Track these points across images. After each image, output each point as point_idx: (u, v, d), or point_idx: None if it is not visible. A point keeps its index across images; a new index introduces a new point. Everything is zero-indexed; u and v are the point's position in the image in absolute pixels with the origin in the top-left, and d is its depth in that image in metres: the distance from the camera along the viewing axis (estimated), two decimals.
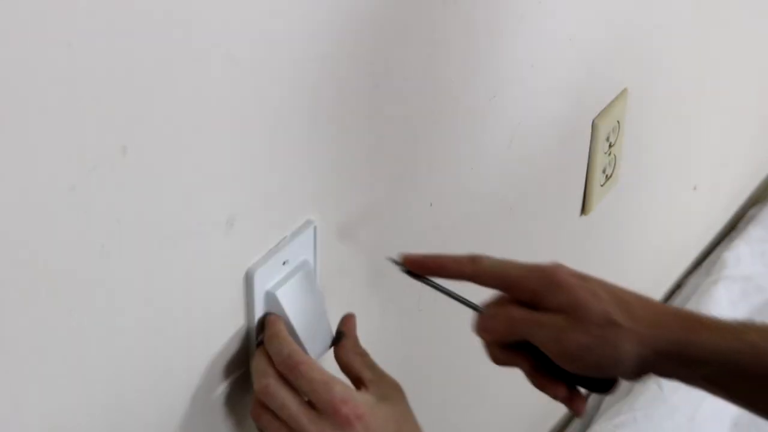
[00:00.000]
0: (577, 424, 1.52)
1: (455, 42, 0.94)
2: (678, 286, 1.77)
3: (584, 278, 0.79)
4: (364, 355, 0.83)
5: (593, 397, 1.55)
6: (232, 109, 0.72)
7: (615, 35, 1.22)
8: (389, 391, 0.80)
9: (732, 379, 0.78)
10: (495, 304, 0.82)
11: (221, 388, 0.82)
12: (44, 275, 0.63)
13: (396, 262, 0.84)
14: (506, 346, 0.81)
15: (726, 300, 1.65)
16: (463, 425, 1.21)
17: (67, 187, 0.62)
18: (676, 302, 1.70)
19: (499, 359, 0.82)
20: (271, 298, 0.81)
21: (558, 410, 1.51)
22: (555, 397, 0.81)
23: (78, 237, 0.64)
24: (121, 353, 0.71)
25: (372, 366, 0.82)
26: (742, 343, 0.77)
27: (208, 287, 0.76)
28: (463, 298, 0.83)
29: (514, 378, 0.85)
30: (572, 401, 0.82)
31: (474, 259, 0.81)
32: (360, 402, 0.77)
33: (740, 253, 1.75)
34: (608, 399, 1.53)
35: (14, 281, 0.61)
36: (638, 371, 0.78)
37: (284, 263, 0.81)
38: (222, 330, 0.79)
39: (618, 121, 1.29)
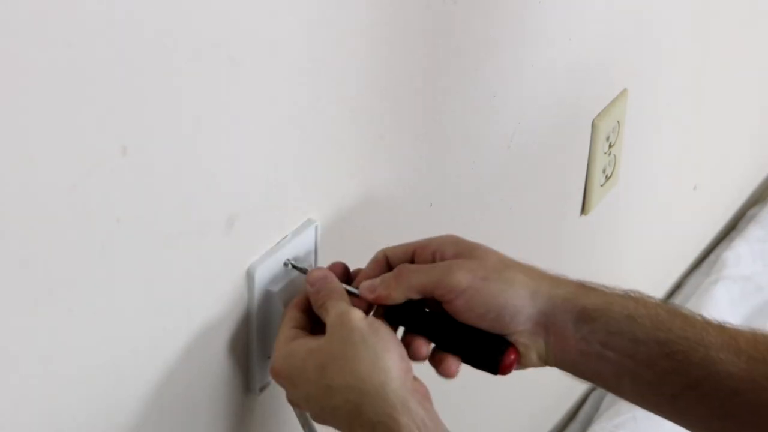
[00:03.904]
0: (577, 424, 1.52)
1: (455, 42, 0.94)
2: (678, 286, 1.77)
3: (481, 245, 0.81)
4: (318, 291, 0.78)
5: (593, 397, 1.55)
6: (232, 108, 0.72)
7: (615, 35, 1.22)
8: (328, 328, 0.75)
9: (632, 346, 0.75)
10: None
11: (222, 386, 0.82)
12: (44, 275, 0.63)
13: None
14: (390, 320, 0.79)
15: (726, 300, 1.65)
16: (462, 426, 1.21)
17: (67, 187, 0.62)
18: (676, 302, 1.69)
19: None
20: (271, 296, 0.81)
21: (558, 410, 1.51)
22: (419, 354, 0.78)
23: (78, 237, 0.64)
24: (122, 353, 0.71)
25: (322, 304, 0.77)
26: (638, 303, 0.76)
27: (209, 286, 0.76)
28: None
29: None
30: (441, 362, 0.78)
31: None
32: (277, 356, 0.76)
33: (740, 253, 1.75)
34: (608, 399, 1.53)
35: (14, 281, 0.61)
36: (533, 324, 0.77)
37: (285, 262, 0.81)
38: (223, 328, 0.79)
39: (618, 121, 1.29)
